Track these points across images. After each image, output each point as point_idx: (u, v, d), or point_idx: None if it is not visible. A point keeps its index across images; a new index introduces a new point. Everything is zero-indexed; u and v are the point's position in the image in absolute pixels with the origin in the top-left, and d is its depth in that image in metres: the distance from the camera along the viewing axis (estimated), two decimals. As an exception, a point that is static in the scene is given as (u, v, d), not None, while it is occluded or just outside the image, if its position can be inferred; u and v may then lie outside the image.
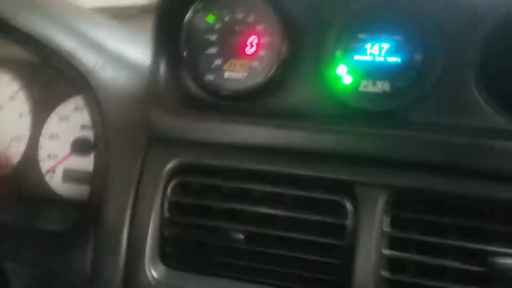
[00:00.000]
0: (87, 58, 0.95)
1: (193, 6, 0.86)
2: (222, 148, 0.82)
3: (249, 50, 0.85)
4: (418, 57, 0.81)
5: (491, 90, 0.78)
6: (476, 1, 0.75)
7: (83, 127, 1.07)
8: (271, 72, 0.82)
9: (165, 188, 0.83)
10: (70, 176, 1.07)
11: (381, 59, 0.81)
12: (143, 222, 0.86)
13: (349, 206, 0.79)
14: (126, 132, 0.89)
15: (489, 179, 0.72)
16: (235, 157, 0.82)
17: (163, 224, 0.83)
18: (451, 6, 0.78)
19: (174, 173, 0.84)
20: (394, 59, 0.81)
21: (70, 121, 1.08)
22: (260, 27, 0.84)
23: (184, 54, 0.86)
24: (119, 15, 1.37)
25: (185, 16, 0.89)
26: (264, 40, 0.84)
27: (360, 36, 0.82)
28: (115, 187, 0.87)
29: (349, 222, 0.79)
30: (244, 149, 0.81)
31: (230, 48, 0.86)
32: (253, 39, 0.84)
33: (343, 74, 0.85)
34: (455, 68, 0.78)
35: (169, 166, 0.84)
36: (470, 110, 0.78)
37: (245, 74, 0.85)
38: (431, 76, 0.77)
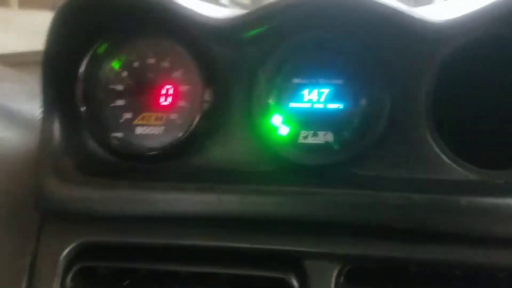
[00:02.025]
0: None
1: (93, 49, 0.73)
2: (137, 222, 0.69)
3: (165, 101, 0.73)
4: (362, 102, 0.72)
5: (447, 137, 0.69)
6: (422, 37, 0.66)
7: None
8: (193, 125, 0.70)
9: (64, 277, 0.69)
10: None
11: (321, 106, 0.73)
12: (39, 323, 0.68)
13: (296, 283, 0.66)
14: (15, 206, 0.73)
15: (455, 242, 0.64)
16: (154, 232, 0.69)
17: (65, 325, 0.68)
18: (396, 45, 0.69)
19: (75, 256, 0.70)
20: (336, 106, 0.73)
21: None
22: (177, 74, 0.73)
23: (82, 109, 0.70)
24: (17, 62, 1.19)
25: (82, 61, 0.74)
26: (183, 88, 0.73)
27: (295, 80, 0.73)
28: (2, 276, 0.72)
29: (297, 304, 0.64)
30: (165, 221, 0.68)
31: (142, 99, 0.74)
32: (169, 88, 0.73)
33: (279, 125, 0.74)
34: (405, 113, 0.69)
35: (69, 248, 0.70)
36: (426, 161, 0.69)
37: (162, 129, 0.73)
38: (379, 124, 0.69)
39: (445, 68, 0.68)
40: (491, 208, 0.62)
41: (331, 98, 0.72)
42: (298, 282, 0.66)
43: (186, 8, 0.67)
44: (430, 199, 0.63)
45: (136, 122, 0.74)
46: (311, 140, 0.73)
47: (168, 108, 0.73)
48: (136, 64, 0.74)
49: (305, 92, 0.73)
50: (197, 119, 0.70)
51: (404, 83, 0.69)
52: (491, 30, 0.66)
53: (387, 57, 0.69)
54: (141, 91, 0.74)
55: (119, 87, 0.75)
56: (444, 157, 0.68)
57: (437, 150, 0.68)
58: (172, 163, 0.74)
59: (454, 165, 0.68)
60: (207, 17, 0.68)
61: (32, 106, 0.86)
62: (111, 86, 0.75)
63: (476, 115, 0.74)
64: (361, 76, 0.71)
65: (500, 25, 0.66)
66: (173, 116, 0.73)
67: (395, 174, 0.70)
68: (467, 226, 0.62)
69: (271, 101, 0.73)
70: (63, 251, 0.70)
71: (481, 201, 0.62)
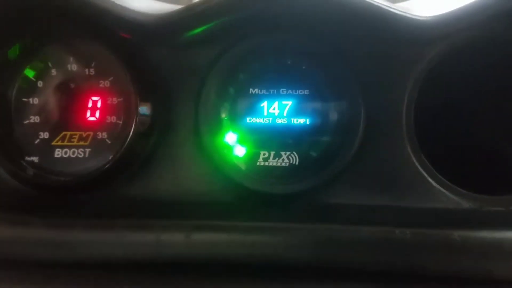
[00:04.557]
0: None
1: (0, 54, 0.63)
2: (56, 268, 0.58)
3: (92, 116, 0.63)
4: (332, 116, 0.63)
5: (434, 158, 0.61)
6: (406, 37, 0.57)
7: None
8: (126, 145, 0.60)
9: None
10: None
11: (283, 121, 0.64)
12: None
13: None
14: None
15: (448, 286, 0.55)
16: (77, 281, 0.58)
17: None
18: (372, 47, 0.61)
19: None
20: (301, 121, 0.64)
21: None
22: (105, 84, 0.63)
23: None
24: None
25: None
26: (113, 101, 0.63)
27: (252, 91, 0.64)
28: None
29: None
30: (90, 267, 0.58)
31: (62, 114, 0.63)
32: (96, 100, 0.63)
33: (234, 144, 0.64)
34: (383, 129, 0.61)
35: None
36: (409, 186, 0.61)
37: (88, 151, 0.63)
38: (353, 142, 0.61)
39: (430, 75, 0.60)
40: (491, 243, 0.53)
41: (296, 112, 0.64)
42: None
43: (111, 3, 0.56)
44: (416, 234, 0.54)
45: (55, 143, 0.63)
46: (272, 162, 0.64)
47: (95, 125, 0.63)
48: (54, 71, 0.63)
49: (264, 104, 0.64)
50: (130, 138, 0.59)
51: (382, 93, 0.61)
52: (486, 30, 0.57)
53: (361, 62, 0.62)
54: (61, 104, 0.63)
55: (34, 100, 0.63)
56: (431, 181, 0.61)
57: (423, 172, 0.61)
58: (101, 193, 0.64)
59: (443, 190, 0.60)
60: (138, 13, 0.56)
61: None
62: (24, 99, 0.63)
63: (466, 131, 0.65)
64: (331, 86, 0.64)
65: (496, 24, 0.56)
66: (102, 135, 0.63)
67: (373, 202, 0.62)
68: (462, 267, 0.53)
69: (223, 116, 0.64)
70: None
71: (478, 235, 0.53)
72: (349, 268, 0.55)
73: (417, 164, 0.60)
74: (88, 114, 0.62)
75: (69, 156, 0.62)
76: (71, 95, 0.63)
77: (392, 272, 0.55)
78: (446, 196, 0.60)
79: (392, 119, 0.61)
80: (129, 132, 0.60)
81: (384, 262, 0.54)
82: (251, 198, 0.63)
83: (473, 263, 0.53)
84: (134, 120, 0.59)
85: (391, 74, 0.61)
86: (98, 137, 0.62)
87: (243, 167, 0.63)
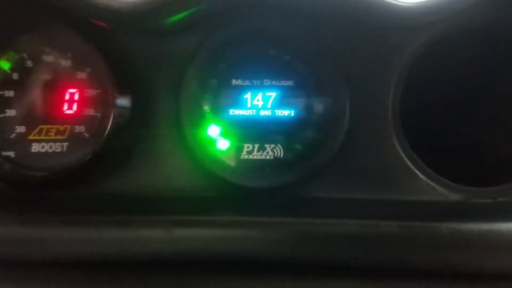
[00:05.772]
0: None
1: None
2: (30, 267, 0.56)
3: (69, 109, 0.60)
4: (317, 108, 0.62)
5: (420, 150, 0.59)
6: (391, 25, 0.56)
7: None
8: (104, 139, 0.57)
9: None
10: None
11: (267, 113, 0.62)
12: None
13: None
14: None
15: (434, 280, 0.53)
16: (52, 280, 0.56)
17: None
18: (357, 36, 0.59)
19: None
20: (286, 113, 0.62)
21: None
22: (82, 75, 0.60)
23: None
24: None
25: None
26: (91, 93, 0.60)
27: (235, 82, 0.62)
28: None
29: None
30: (67, 265, 0.56)
31: (39, 107, 0.60)
32: (73, 92, 0.60)
33: (217, 137, 0.62)
34: (368, 120, 0.60)
35: None
36: (395, 178, 0.59)
37: (65, 146, 0.60)
38: (338, 133, 0.59)
39: (417, 65, 0.59)
40: (478, 236, 0.51)
41: (280, 103, 0.62)
42: None
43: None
44: (402, 227, 0.52)
45: (31, 137, 0.60)
46: (256, 155, 0.62)
47: (72, 118, 0.60)
48: (29, 63, 0.60)
49: (248, 96, 0.62)
50: (108, 132, 0.57)
51: (367, 84, 0.59)
52: (477, 18, 0.55)
53: (345, 51, 0.60)
54: (37, 97, 0.60)
55: (9, 93, 0.60)
56: (418, 173, 0.59)
57: (410, 164, 0.59)
58: (79, 189, 0.61)
59: (431, 183, 0.58)
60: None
61: None
62: (-1, 92, 0.61)
63: (454, 123, 0.63)
64: (315, 76, 0.61)
65: (486, 11, 0.54)
66: (79, 128, 0.60)
67: (359, 196, 0.60)
68: (449, 260, 0.52)
69: (206, 108, 0.62)
70: None
71: (466, 227, 0.52)
72: (336, 263, 0.54)
73: (403, 156, 0.58)
74: (66, 107, 0.59)
75: (46, 151, 0.59)
76: (47, 87, 0.60)
77: (380, 267, 0.53)
78: (434, 189, 0.58)
79: (378, 111, 0.59)
80: (107, 126, 0.57)
81: (371, 257, 0.53)
82: (234, 192, 0.61)
83: (461, 256, 0.52)
84: (112, 113, 0.57)
85: (376, 63, 0.59)
86: (76, 130, 0.60)
87: (226, 161, 0.61)
